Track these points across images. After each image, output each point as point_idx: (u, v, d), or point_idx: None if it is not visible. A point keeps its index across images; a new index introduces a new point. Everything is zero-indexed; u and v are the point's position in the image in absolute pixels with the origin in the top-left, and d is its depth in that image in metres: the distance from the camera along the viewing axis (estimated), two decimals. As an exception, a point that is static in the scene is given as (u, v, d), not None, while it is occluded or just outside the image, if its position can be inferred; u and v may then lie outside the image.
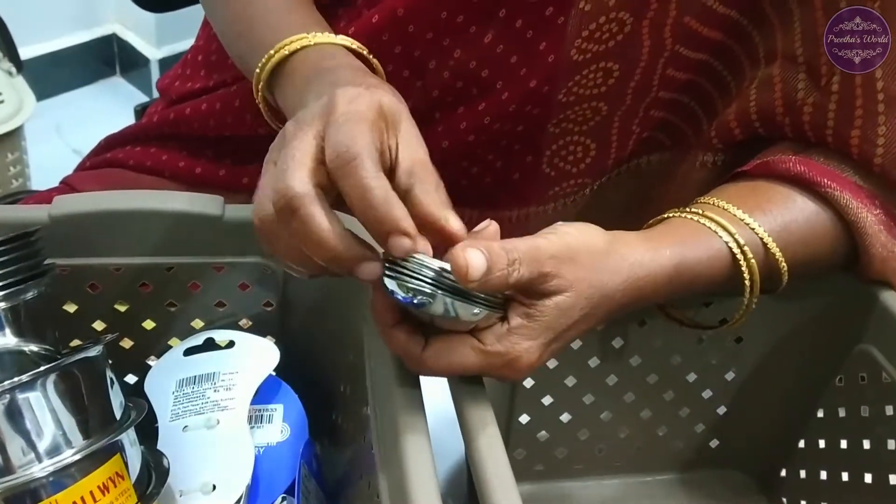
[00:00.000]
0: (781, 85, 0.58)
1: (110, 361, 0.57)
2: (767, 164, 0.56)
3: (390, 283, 0.42)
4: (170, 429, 0.56)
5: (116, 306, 0.58)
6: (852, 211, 0.53)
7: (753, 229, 0.52)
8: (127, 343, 0.59)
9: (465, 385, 0.46)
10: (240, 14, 0.59)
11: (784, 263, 0.52)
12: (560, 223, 0.47)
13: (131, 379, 0.61)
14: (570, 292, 0.44)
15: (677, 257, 0.49)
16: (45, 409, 0.45)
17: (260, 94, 0.55)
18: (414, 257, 0.41)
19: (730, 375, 0.64)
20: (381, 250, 0.43)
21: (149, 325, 0.59)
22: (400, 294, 0.42)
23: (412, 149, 0.44)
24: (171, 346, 0.60)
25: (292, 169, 0.41)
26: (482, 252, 0.41)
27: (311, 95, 0.47)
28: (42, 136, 1.64)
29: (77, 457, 0.45)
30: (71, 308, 0.57)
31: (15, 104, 1.34)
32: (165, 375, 0.58)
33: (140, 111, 1.14)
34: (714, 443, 0.67)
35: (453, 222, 0.42)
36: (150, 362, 0.60)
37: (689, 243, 0.50)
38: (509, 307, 0.44)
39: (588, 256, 0.45)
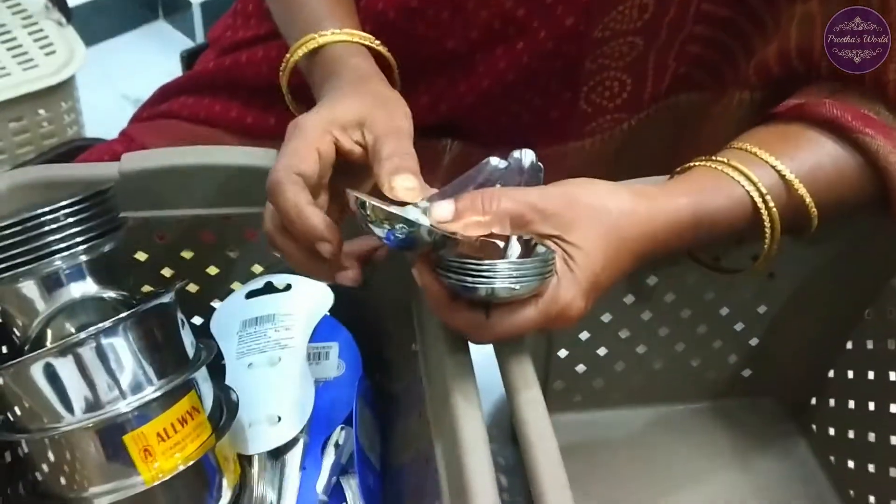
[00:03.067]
0: (821, 19, 0.58)
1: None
2: (801, 108, 0.57)
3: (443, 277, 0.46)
4: (236, 366, 0.61)
5: (182, 254, 0.62)
6: (882, 157, 0.54)
7: (780, 172, 0.54)
8: (193, 287, 0.64)
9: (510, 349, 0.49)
10: None
11: (813, 207, 0.54)
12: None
13: (197, 321, 0.66)
14: (583, 231, 0.48)
15: (694, 205, 0.52)
16: (126, 350, 0.50)
17: (286, 91, 0.62)
18: (454, 259, 0.45)
19: (762, 309, 0.67)
20: None
21: (212, 270, 0.63)
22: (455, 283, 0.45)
23: (387, 128, 0.51)
24: (233, 290, 0.64)
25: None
26: (449, 200, 0.47)
27: (322, 95, 0.56)
28: (91, 83, 1.68)
29: (157, 393, 0.50)
30: (142, 257, 0.62)
31: (66, 54, 1.37)
32: (229, 317, 0.63)
33: (186, 57, 1.16)
34: (746, 372, 0.70)
35: (398, 183, 0.48)
36: (214, 305, 0.65)
37: (709, 192, 0.53)
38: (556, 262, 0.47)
39: (594, 198, 0.49)
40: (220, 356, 0.61)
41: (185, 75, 0.84)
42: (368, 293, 0.65)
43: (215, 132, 0.79)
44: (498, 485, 0.65)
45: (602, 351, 0.67)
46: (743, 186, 0.53)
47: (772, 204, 0.53)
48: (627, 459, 0.68)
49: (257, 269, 0.64)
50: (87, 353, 0.49)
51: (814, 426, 0.69)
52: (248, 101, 0.78)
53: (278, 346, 0.60)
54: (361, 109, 0.52)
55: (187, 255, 0.62)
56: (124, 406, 0.49)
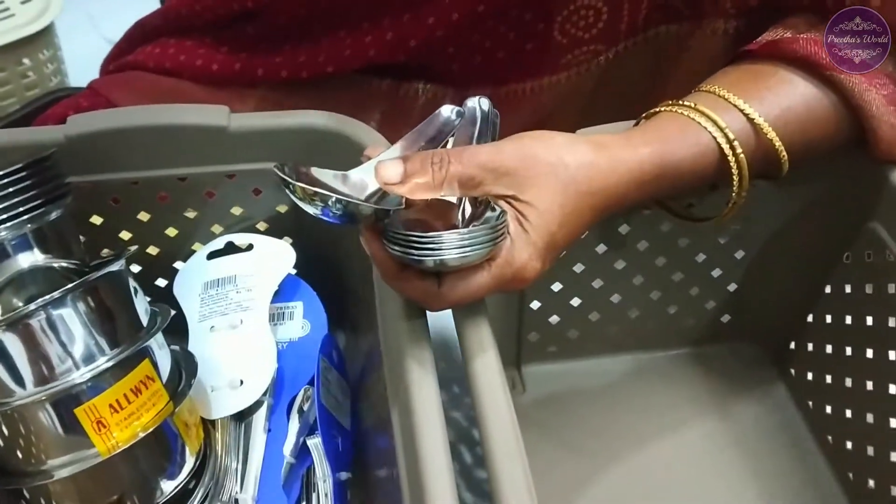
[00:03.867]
0: None
1: (140, 268, 0.61)
2: (774, 45, 0.55)
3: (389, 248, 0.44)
4: (198, 329, 0.60)
5: (139, 216, 0.61)
6: (857, 94, 0.52)
7: (749, 116, 0.51)
8: (153, 250, 0.63)
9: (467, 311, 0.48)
10: None
11: (783, 151, 0.52)
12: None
13: (161, 282, 0.65)
14: (537, 188, 0.46)
15: (658, 155, 0.50)
16: (76, 321, 0.49)
17: None
18: (398, 231, 0.43)
19: (739, 254, 0.65)
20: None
21: (171, 232, 0.62)
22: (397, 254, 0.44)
23: None
24: (194, 251, 0.63)
25: None
26: (397, 161, 0.44)
27: None
28: (72, 29, 1.64)
29: (110, 363, 0.49)
30: (97, 220, 0.60)
31: (43, 1, 1.34)
32: (191, 279, 0.62)
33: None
34: (725, 318, 0.69)
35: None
36: (177, 266, 0.64)
37: (673, 139, 0.51)
38: (508, 224, 0.46)
39: (550, 152, 0.47)
40: (182, 320, 0.60)
41: (150, 15, 0.82)
42: (333, 250, 0.64)
43: (181, 83, 0.77)
44: (472, 440, 0.66)
45: (576, 301, 0.66)
46: (709, 132, 0.51)
47: (739, 150, 0.51)
48: (605, 408, 0.67)
49: (217, 228, 0.63)
50: (36, 325, 0.47)
51: (792, 371, 0.68)
52: (214, 46, 0.76)
53: (240, 308, 0.59)
54: None
55: (144, 217, 0.61)
56: (77, 378, 0.48)
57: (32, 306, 0.47)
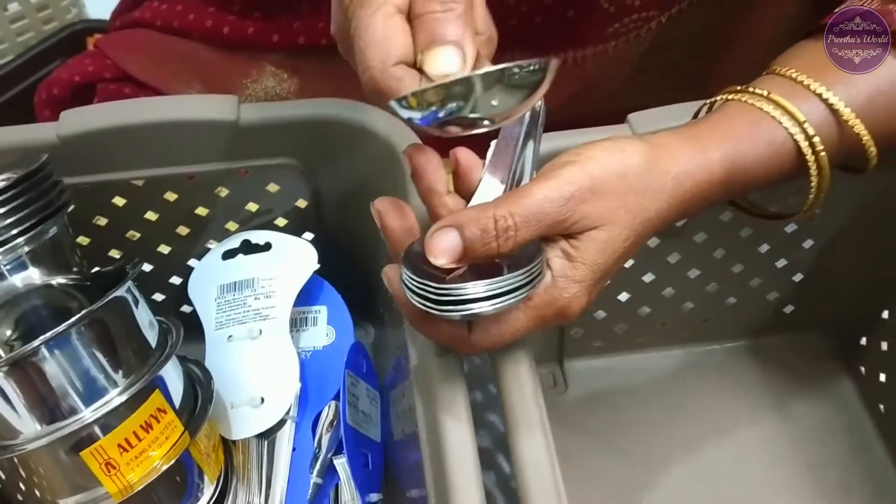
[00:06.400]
0: None
1: (152, 267, 0.57)
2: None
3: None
4: (216, 338, 0.55)
5: (146, 216, 0.56)
6: None
7: (832, 105, 0.44)
8: (164, 249, 0.58)
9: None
10: None
11: (872, 146, 0.45)
12: (584, 145, 0.41)
13: (176, 280, 0.60)
14: (607, 226, 0.39)
15: (729, 159, 0.43)
16: (81, 356, 0.44)
17: None
18: (415, 279, 0.37)
19: (808, 244, 0.59)
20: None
21: (183, 230, 0.57)
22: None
23: None
24: (209, 248, 0.58)
25: None
26: (449, 231, 0.37)
27: None
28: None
29: (119, 399, 0.45)
30: (101, 221, 0.55)
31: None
32: (206, 280, 0.57)
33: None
34: (788, 308, 0.63)
35: (430, 64, 0.37)
36: (191, 264, 0.59)
37: (745, 139, 0.43)
38: (548, 256, 0.39)
39: (621, 181, 0.40)
40: (196, 318, 0.55)
41: None
42: (359, 243, 0.59)
43: (191, 45, 0.71)
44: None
45: (624, 296, 0.60)
46: (785, 128, 0.44)
47: (820, 147, 0.44)
48: (655, 408, 0.62)
49: (232, 226, 0.57)
50: (37, 364, 0.43)
51: (863, 369, 0.62)
52: (224, 6, 0.69)
53: (259, 317, 0.55)
54: None
55: (152, 217, 0.56)
56: (84, 418, 0.44)
57: (34, 344, 0.42)
